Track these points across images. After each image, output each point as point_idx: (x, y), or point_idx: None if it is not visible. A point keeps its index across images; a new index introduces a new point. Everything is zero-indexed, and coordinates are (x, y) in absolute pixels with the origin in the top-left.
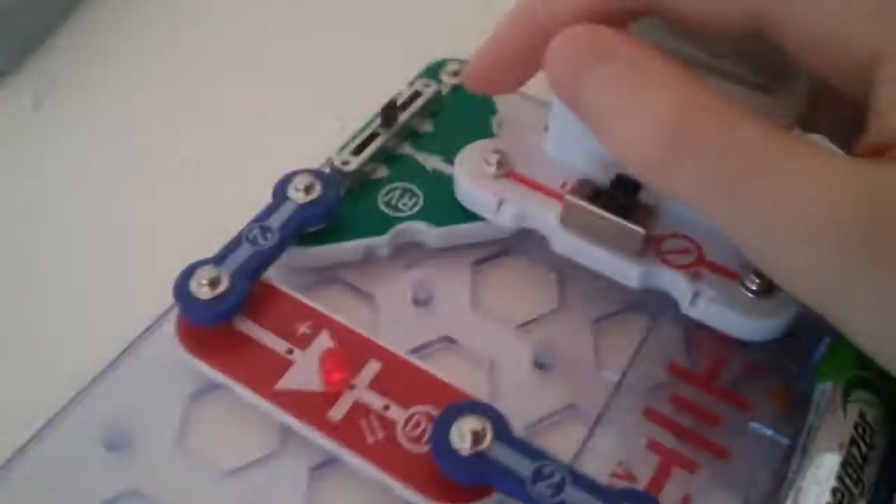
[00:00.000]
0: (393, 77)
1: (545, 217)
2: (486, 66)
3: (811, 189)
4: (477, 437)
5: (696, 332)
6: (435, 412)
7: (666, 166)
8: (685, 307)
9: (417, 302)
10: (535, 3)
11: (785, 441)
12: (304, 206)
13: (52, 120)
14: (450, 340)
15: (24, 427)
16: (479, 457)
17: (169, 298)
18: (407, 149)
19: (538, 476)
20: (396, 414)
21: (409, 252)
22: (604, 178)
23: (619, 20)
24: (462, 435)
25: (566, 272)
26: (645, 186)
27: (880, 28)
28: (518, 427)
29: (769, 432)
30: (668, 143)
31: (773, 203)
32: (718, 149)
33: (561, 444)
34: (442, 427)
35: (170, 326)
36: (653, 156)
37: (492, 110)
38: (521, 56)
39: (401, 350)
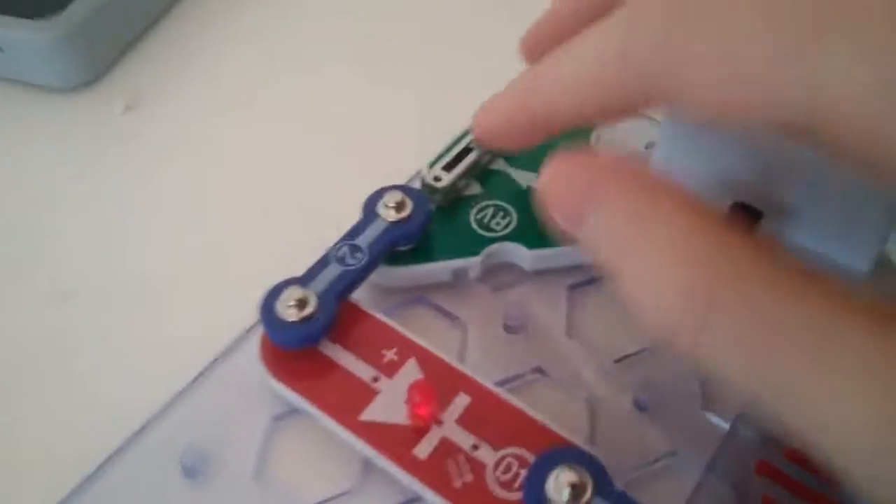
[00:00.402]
0: (487, 90)
1: None
2: (488, 132)
3: (846, 388)
4: (576, 491)
5: None
6: (528, 455)
7: (686, 343)
8: None
9: (508, 329)
10: (534, 86)
11: None
12: (394, 225)
13: (140, 126)
14: (542, 372)
15: (101, 448)
16: None
17: (253, 317)
18: (501, 164)
19: None
20: (486, 455)
21: (500, 274)
22: (720, 202)
23: (624, 113)
24: (560, 487)
25: None
26: (767, 215)
27: None
28: (616, 473)
29: None
30: (686, 320)
31: (807, 399)
32: (743, 328)
33: (663, 497)
34: (538, 476)
35: (252, 347)
36: (671, 333)
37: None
38: (522, 132)
39: (489, 381)
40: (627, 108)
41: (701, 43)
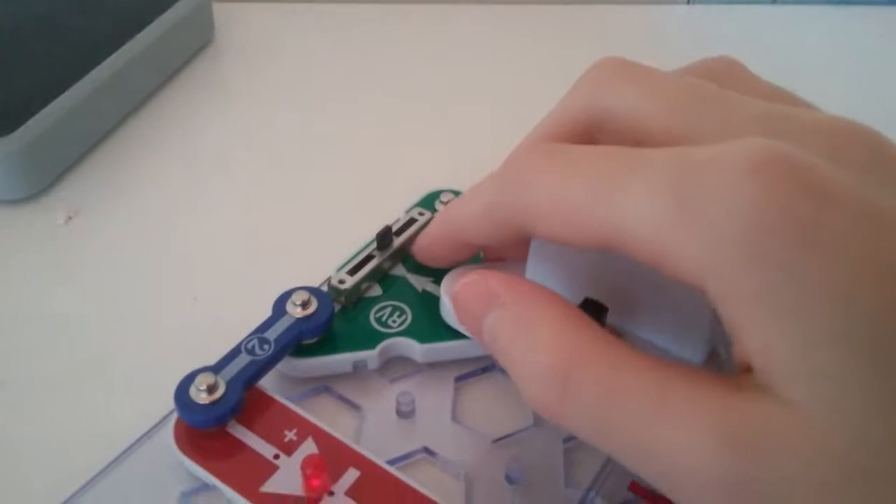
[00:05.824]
0: (394, 204)
1: None
2: (426, 253)
3: (679, 440)
4: None
5: None
6: None
7: (553, 412)
8: None
9: (401, 414)
10: (449, 217)
11: None
12: (300, 321)
13: (79, 236)
14: (429, 452)
15: None
16: None
17: (171, 403)
18: (400, 270)
19: None
20: None
21: (396, 366)
22: (575, 299)
23: (511, 238)
24: None
25: None
26: (613, 310)
27: (700, 253)
28: None
29: None
30: (551, 393)
31: (649, 453)
32: (595, 399)
33: None
34: None
35: (169, 430)
36: (541, 404)
37: None
38: (448, 251)
39: (381, 459)
40: (510, 236)
41: (540, 198)
